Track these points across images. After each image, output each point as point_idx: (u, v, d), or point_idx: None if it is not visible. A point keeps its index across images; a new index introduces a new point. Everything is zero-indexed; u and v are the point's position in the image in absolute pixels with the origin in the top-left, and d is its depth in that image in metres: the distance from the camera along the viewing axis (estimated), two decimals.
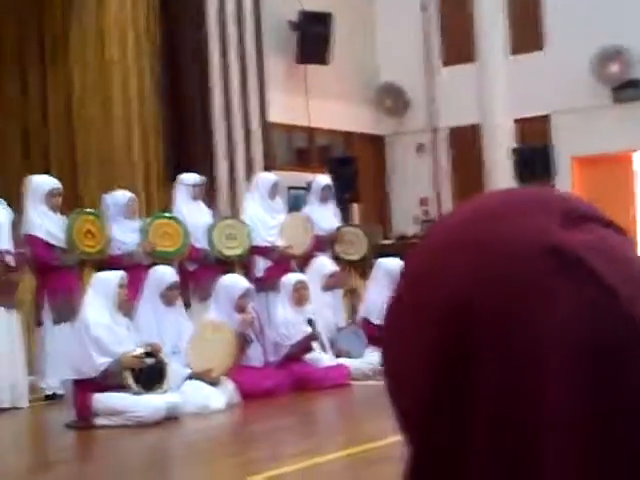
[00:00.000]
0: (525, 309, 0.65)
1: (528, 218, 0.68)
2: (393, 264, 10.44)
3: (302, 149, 16.48)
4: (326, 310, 9.74)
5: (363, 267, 12.50)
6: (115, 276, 7.49)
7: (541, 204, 0.70)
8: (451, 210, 0.76)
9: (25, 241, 8.87)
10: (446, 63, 16.93)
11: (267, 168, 13.17)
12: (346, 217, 13.37)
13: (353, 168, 13.93)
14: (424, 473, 0.70)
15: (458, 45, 16.58)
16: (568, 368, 0.64)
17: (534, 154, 14.54)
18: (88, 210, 9.45)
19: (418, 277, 0.71)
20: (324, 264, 10.01)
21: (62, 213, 9.12)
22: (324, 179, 11.38)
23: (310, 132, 16.10)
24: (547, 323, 0.65)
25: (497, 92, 15.75)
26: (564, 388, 0.64)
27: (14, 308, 8.47)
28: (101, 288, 7.41)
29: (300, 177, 14.86)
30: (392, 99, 17.00)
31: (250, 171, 13.34)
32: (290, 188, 14.27)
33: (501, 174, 15.48)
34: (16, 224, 8.61)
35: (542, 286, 0.65)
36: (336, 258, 10.66)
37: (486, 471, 0.66)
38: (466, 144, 16.53)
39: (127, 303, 7.54)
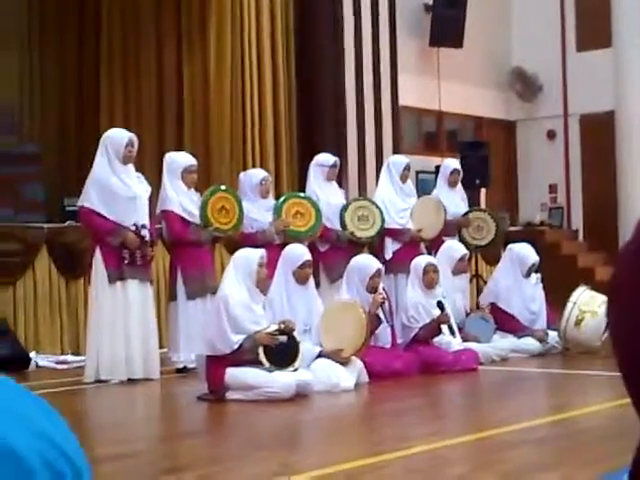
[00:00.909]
0: None
1: None
2: (524, 250, 10.35)
3: (431, 133, 16.43)
4: (455, 294, 9.70)
5: (490, 252, 12.42)
6: (256, 254, 7.57)
7: None
8: None
9: (162, 216, 9.07)
10: (580, 48, 16.63)
11: (396, 151, 13.17)
12: (474, 202, 13.28)
13: (483, 153, 13.80)
14: None
15: (594, 30, 16.26)
16: None
17: None
18: (223, 187, 9.58)
19: None
20: (455, 248, 9.96)
21: (197, 190, 9.27)
22: (453, 163, 11.31)
23: (440, 116, 16.02)
24: None
25: (633, 79, 15.41)
26: None
27: (148, 281, 8.64)
28: (242, 265, 7.50)
29: (429, 161, 14.82)
30: (524, 84, 16.78)
31: (380, 154, 13.36)
32: (418, 172, 14.25)
33: (635, 163, 15.17)
34: (151, 199, 8.78)
35: None
36: (464, 243, 10.60)
37: None
38: (599, 131, 16.23)
39: (265, 282, 7.62)
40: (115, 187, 8.38)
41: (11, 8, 13.60)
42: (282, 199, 10.00)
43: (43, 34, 13.84)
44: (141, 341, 8.45)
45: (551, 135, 17.02)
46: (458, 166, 11.16)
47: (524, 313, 10.08)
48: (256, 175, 9.93)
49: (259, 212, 9.56)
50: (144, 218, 8.51)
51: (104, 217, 8.34)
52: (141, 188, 8.59)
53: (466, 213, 10.95)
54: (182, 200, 9.06)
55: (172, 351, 9.03)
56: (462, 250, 9.96)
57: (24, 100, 13.78)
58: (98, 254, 8.40)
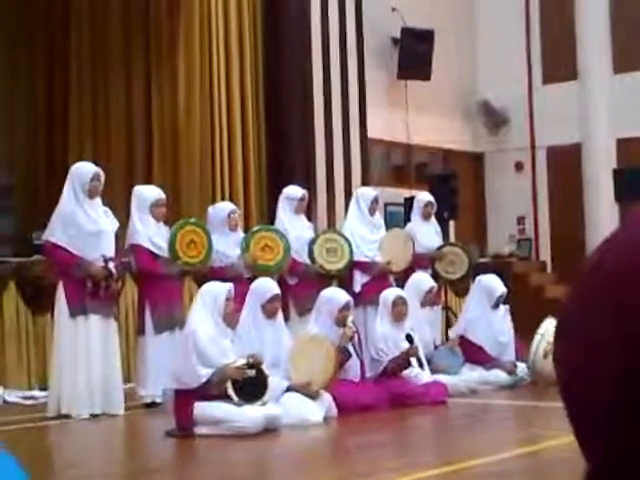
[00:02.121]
0: None
1: None
2: (492, 281, 10.41)
3: (400, 165, 16.48)
4: (424, 326, 9.72)
5: (459, 285, 12.47)
6: (223, 288, 7.56)
7: None
8: (634, 220, 0.76)
9: (130, 250, 9.04)
10: (547, 80, 16.79)
11: (365, 184, 13.20)
12: (443, 234, 13.33)
13: (452, 185, 13.86)
14: None
15: (560, 62, 16.44)
16: None
17: (636, 175, 14.30)
18: (192, 220, 9.57)
19: (599, 284, 0.71)
20: (423, 280, 10.00)
21: (166, 223, 9.26)
22: (426, 196, 11.33)
23: (408, 148, 16.09)
24: None
25: (600, 111, 15.57)
26: None
27: (111, 316, 8.61)
28: (208, 299, 7.49)
29: (397, 194, 14.87)
30: (492, 116, 16.92)
31: (348, 187, 13.40)
32: (387, 204, 14.29)
33: (601, 194, 15.29)
34: (118, 234, 8.76)
35: None
36: (436, 276, 10.63)
37: None
38: (566, 163, 16.36)
39: (233, 315, 7.61)
40: (81, 222, 8.36)
41: None
42: (250, 232, 10.00)
43: (12, 65, 13.82)
44: (103, 376, 8.39)
45: (519, 167, 17.14)
46: (432, 199, 11.19)
47: (493, 344, 10.10)
48: (224, 208, 9.94)
49: (228, 246, 9.56)
50: (110, 252, 8.49)
51: (68, 251, 8.31)
52: (107, 222, 8.57)
53: (440, 247, 10.99)
54: (151, 234, 9.04)
55: (140, 385, 8.97)
56: (430, 282, 10.00)
57: None
58: (61, 288, 8.37)
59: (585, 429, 0.73)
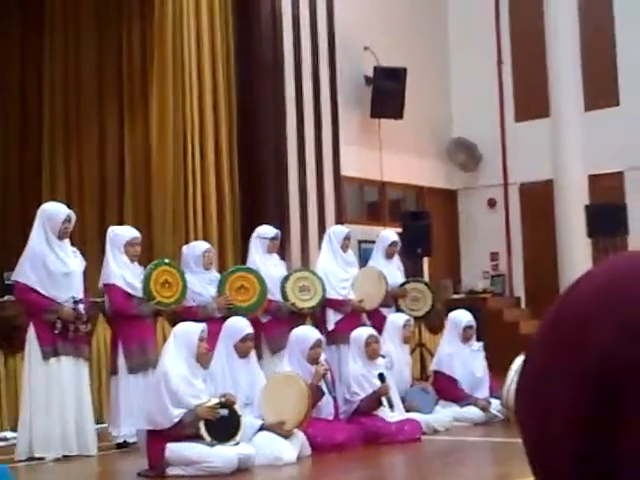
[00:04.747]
0: None
1: None
2: (457, 314, 10.49)
3: (374, 203, 16.56)
4: (403, 366, 9.76)
5: (431, 322, 12.49)
6: (196, 328, 7.56)
7: None
8: (598, 264, 0.79)
9: (104, 290, 9.03)
10: (519, 118, 16.95)
11: (339, 222, 13.25)
12: (417, 271, 13.37)
13: (425, 222, 13.93)
14: None
15: (532, 100, 16.59)
16: None
17: (608, 211, 14.42)
18: (166, 261, 9.56)
19: (567, 326, 0.74)
20: (397, 317, 10.06)
21: (140, 263, 9.26)
22: (392, 235, 11.29)
23: (382, 186, 16.17)
24: None
25: (571, 148, 15.69)
26: None
27: (83, 358, 8.57)
28: (181, 340, 7.48)
29: (371, 231, 14.91)
30: (465, 154, 17.04)
31: (322, 224, 13.43)
32: (361, 242, 14.33)
33: (574, 230, 15.38)
34: (85, 274, 8.75)
35: None
36: (401, 313, 10.64)
37: None
38: (538, 200, 16.48)
39: (206, 355, 7.60)
40: (50, 263, 8.34)
41: None
42: (227, 272, 10.00)
43: None
44: (76, 417, 8.35)
45: (492, 203, 17.25)
46: (397, 238, 11.19)
47: (467, 381, 10.12)
48: (199, 247, 9.94)
49: (202, 285, 9.55)
50: (79, 293, 8.47)
51: (39, 292, 8.30)
52: (76, 263, 8.56)
53: (403, 284, 10.98)
54: (125, 273, 9.03)
55: (113, 426, 8.92)
56: (404, 317, 10.06)
57: None
58: (32, 330, 8.33)
59: (542, 469, 0.75)
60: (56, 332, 8.24)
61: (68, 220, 8.55)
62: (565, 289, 0.77)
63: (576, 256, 15.33)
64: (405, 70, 15.58)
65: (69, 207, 8.94)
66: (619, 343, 0.70)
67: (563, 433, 0.71)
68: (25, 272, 8.36)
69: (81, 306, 8.40)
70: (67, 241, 8.58)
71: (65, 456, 8.21)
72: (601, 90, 16.05)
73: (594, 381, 0.70)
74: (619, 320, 0.70)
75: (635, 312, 0.70)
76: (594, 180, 15.90)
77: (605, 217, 14.29)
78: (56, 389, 8.28)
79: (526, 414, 0.76)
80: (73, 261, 8.53)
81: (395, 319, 10.03)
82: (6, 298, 10.21)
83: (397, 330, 9.83)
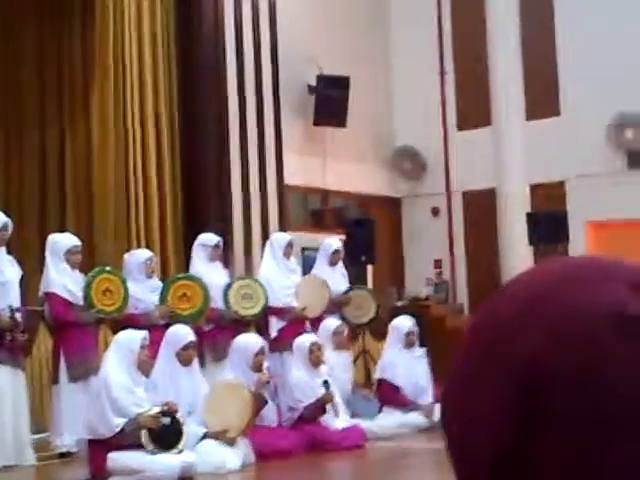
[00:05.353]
0: (591, 372, 0.68)
1: (600, 284, 0.72)
2: (399, 320, 10.55)
3: (317, 210, 16.57)
4: (341, 372, 9.74)
5: (374, 329, 12.51)
6: (137, 336, 7.51)
7: (611, 271, 0.73)
8: (526, 270, 0.78)
9: (44, 298, 8.93)
10: (462, 127, 17.07)
11: (282, 229, 13.24)
12: (361, 279, 13.39)
13: (369, 229, 13.97)
14: None
15: (474, 109, 16.72)
16: (631, 430, 0.67)
17: (549, 219, 14.56)
18: (107, 268, 9.49)
19: (491, 334, 0.74)
20: (329, 323, 10.05)
21: (81, 271, 9.18)
22: (335, 243, 11.30)
23: (325, 194, 16.19)
24: (607, 385, 0.68)
25: (513, 157, 15.82)
26: (629, 447, 0.67)
27: (19, 367, 8.47)
28: (122, 347, 7.43)
29: (315, 238, 14.91)
30: (409, 162, 17.13)
31: (265, 232, 13.41)
32: (304, 249, 14.32)
33: (516, 238, 15.50)
34: (22, 283, 8.65)
35: (606, 350, 0.68)
36: (345, 320, 10.64)
37: None
38: (481, 208, 16.60)
39: (147, 363, 7.55)
40: None
41: None
42: (169, 280, 9.94)
43: None
44: (13, 427, 8.24)
45: (435, 212, 17.34)
46: (339, 245, 11.21)
47: (410, 387, 10.16)
48: (141, 255, 9.89)
49: (144, 292, 9.49)
50: (16, 302, 8.37)
51: None
52: (12, 271, 8.46)
53: (347, 291, 10.99)
54: (65, 282, 8.95)
55: (55, 435, 8.83)
56: (335, 324, 10.03)
57: None
58: None
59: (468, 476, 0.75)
60: None
61: (4, 228, 8.45)
62: (493, 294, 0.77)
63: (518, 263, 15.44)
64: (348, 79, 15.62)
65: (7, 215, 8.84)
66: (545, 354, 0.69)
67: (485, 438, 0.71)
68: None
69: (18, 315, 8.30)
70: (3, 249, 8.48)
71: (5, 466, 8.09)
72: (542, 100, 16.21)
73: (517, 390, 0.70)
74: (547, 329, 0.70)
75: (564, 321, 0.70)
76: (535, 189, 16.04)
77: (546, 225, 14.43)
78: None
79: (451, 417, 0.76)
80: (9, 270, 8.43)
81: (327, 325, 10.03)
82: None
83: (328, 336, 9.81)
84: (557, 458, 0.68)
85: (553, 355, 0.69)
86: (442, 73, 17.20)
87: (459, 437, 0.75)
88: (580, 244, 15.15)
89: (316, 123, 15.59)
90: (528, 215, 15.17)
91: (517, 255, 15.50)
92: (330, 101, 15.44)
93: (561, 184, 16.06)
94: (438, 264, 17.24)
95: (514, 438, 0.69)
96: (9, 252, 8.62)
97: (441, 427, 0.78)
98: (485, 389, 0.71)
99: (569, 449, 0.68)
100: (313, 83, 15.55)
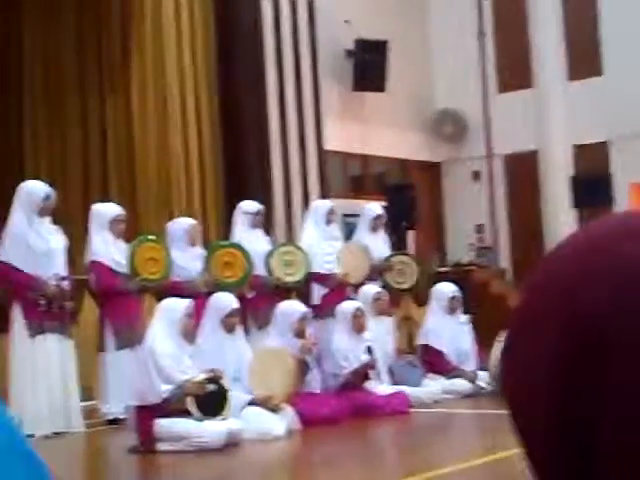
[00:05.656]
0: None
1: None
2: (441, 286, 10.49)
3: (357, 176, 16.53)
4: (384, 337, 9.72)
5: (416, 295, 12.47)
6: (182, 304, 7.54)
7: None
8: (585, 225, 0.75)
9: (89, 267, 9.00)
10: (502, 89, 16.91)
11: (322, 196, 13.22)
12: (402, 244, 13.35)
13: (410, 195, 13.90)
14: None
15: (515, 71, 16.56)
16: None
17: (593, 181, 14.43)
18: (150, 237, 9.53)
19: (552, 291, 0.71)
20: (368, 290, 9.99)
21: (125, 240, 9.22)
22: (376, 208, 11.24)
23: (365, 159, 16.14)
24: None
25: (555, 119, 15.68)
26: None
27: (68, 335, 8.55)
28: (168, 316, 7.47)
29: (355, 205, 14.89)
30: (450, 125, 16.99)
31: (306, 199, 13.40)
32: (345, 215, 14.29)
33: (559, 201, 15.40)
34: (67, 251, 8.71)
35: None
36: (387, 287, 10.60)
37: None
38: (523, 171, 16.48)
39: (192, 331, 7.58)
40: (31, 241, 8.31)
41: None
42: (213, 248, 9.96)
43: None
44: (62, 395, 8.34)
45: (476, 176, 17.23)
46: (381, 211, 11.14)
47: (454, 353, 10.13)
48: (184, 223, 9.91)
49: (187, 260, 9.52)
50: (62, 270, 8.44)
51: (22, 271, 8.25)
52: (57, 240, 8.52)
53: (388, 257, 10.95)
54: (110, 251, 9.01)
55: (102, 402, 8.93)
56: (375, 290, 9.96)
57: None
58: (17, 308, 8.30)
59: (528, 446, 0.73)
60: (41, 310, 8.21)
61: (47, 198, 8.50)
62: (547, 253, 0.74)
63: (561, 227, 15.35)
64: (386, 42, 15.52)
65: (51, 185, 8.89)
66: (609, 311, 0.66)
67: (543, 396, 0.69)
68: (6, 250, 8.32)
69: (65, 283, 8.37)
70: (47, 219, 8.54)
71: (55, 433, 8.19)
72: (584, 60, 16.02)
73: (579, 348, 0.67)
74: (612, 285, 0.67)
75: (630, 276, 0.66)
76: (578, 150, 15.90)
77: (590, 187, 14.31)
78: (43, 366, 8.26)
79: (509, 374, 0.74)
80: (54, 239, 8.50)
81: (366, 291, 9.97)
82: None
83: (368, 302, 9.74)
84: (617, 419, 0.66)
85: (617, 312, 0.66)
86: (481, 35, 17.03)
87: (517, 395, 0.73)
88: (625, 205, 14.98)
89: (355, 88, 15.51)
90: (571, 177, 15.05)
91: (560, 218, 15.41)
92: (369, 65, 15.35)
93: (604, 145, 15.87)
94: (480, 229, 17.15)
95: (573, 397, 0.67)
96: (54, 222, 8.68)
97: (499, 384, 0.77)
98: (546, 347, 0.69)
99: (630, 408, 0.65)
100: (351, 48, 15.46)
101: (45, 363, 8.28)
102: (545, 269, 0.73)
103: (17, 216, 8.42)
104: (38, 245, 8.33)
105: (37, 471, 0.70)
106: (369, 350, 8.89)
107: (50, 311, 8.27)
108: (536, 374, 0.70)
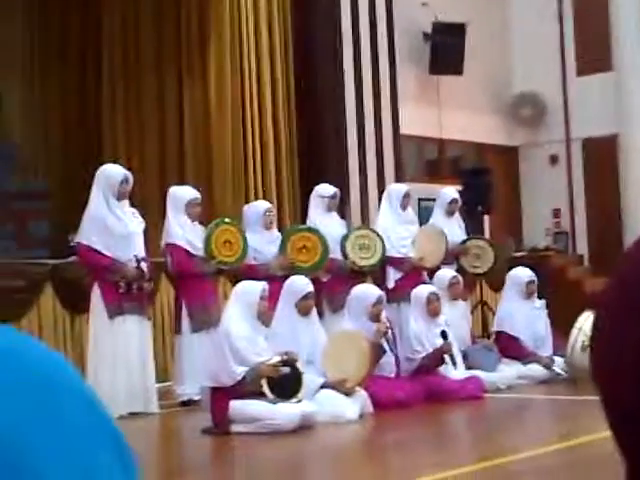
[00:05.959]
0: None
1: None
2: (518, 271, 10.38)
3: (433, 160, 16.46)
4: (459, 322, 9.68)
5: (492, 280, 12.39)
6: (257, 287, 7.60)
7: None
8: None
9: (166, 250, 9.10)
10: (581, 72, 16.67)
11: (398, 180, 13.19)
12: (478, 229, 13.27)
13: (486, 179, 13.80)
14: None
15: (595, 54, 16.31)
16: None
17: None
18: (227, 220, 9.60)
19: (633, 295, 0.70)
20: (444, 274, 9.94)
21: (201, 223, 9.30)
22: (452, 192, 11.22)
23: (441, 143, 16.05)
24: None
25: (636, 102, 15.43)
26: None
27: (146, 317, 8.66)
28: (243, 298, 7.53)
29: (431, 189, 14.82)
30: (528, 108, 16.79)
31: (381, 183, 13.38)
32: (420, 200, 14.25)
33: (639, 186, 15.16)
34: (145, 233, 8.82)
35: None
36: (462, 271, 10.54)
37: None
38: (602, 155, 16.24)
39: (267, 314, 7.63)
40: (110, 224, 8.42)
41: (13, 40, 13.71)
42: (289, 232, 10.00)
43: (45, 67, 13.93)
44: (140, 375, 8.45)
45: (554, 160, 17.04)
46: (457, 195, 11.11)
47: (530, 339, 10.04)
48: (260, 206, 9.96)
49: (262, 244, 9.57)
50: (141, 252, 8.55)
51: (101, 253, 8.37)
52: (135, 223, 8.63)
53: (464, 241, 10.90)
54: (186, 233, 9.10)
55: (177, 384, 9.03)
56: (450, 274, 9.90)
57: (29, 135, 13.85)
58: (97, 290, 8.43)
59: (618, 428, 0.73)
60: (120, 291, 8.33)
61: (125, 181, 8.61)
62: (630, 246, 0.73)
63: None
64: (464, 25, 15.39)
65: (129, 169, 9.00)
66: None
67: (626, 396, 0.68)
68: (87, 233, 8.46)
69: (144, 264, 8.49)
70: (126, 202, 8.65)
71: (130, 413, 8.31)
72: None
73: None
74: None
75: None
76: None
77: None
78: (121, 347, 8.39)
79: (597, 369, 0.73)
80: (132, 221, 8.60)
81: (441, 276, 9.92)
82: (71, 259, 10.33)
83: (443, 287, 9.68)
84: None
85: None
86: (561, 17, 16.79)
87: (608, 380, 0.72)
88: None
89: (432, 71, 15.42)
90: None
91: (639, 203, 15.17)
92: (446, 49, 15.25)
93: None
94: (557, 214, 16.96)
95: None
96: (132, 205, 8.79)
97: (588, 368, 0.77)
98: (631, 346, 0.69)
99: None
100: (428, 30, 15.36)
101: (124, 344, 8.40)
102: (631, 265, 0.72)
103: (96, 199, 8.55)
104: (117, 228, 8.45)
105: (124, 452, 0.72)
106: (444, 334, 8.86)
107: (129, 292, 8.39)
108: (628, 359, 0.69)
